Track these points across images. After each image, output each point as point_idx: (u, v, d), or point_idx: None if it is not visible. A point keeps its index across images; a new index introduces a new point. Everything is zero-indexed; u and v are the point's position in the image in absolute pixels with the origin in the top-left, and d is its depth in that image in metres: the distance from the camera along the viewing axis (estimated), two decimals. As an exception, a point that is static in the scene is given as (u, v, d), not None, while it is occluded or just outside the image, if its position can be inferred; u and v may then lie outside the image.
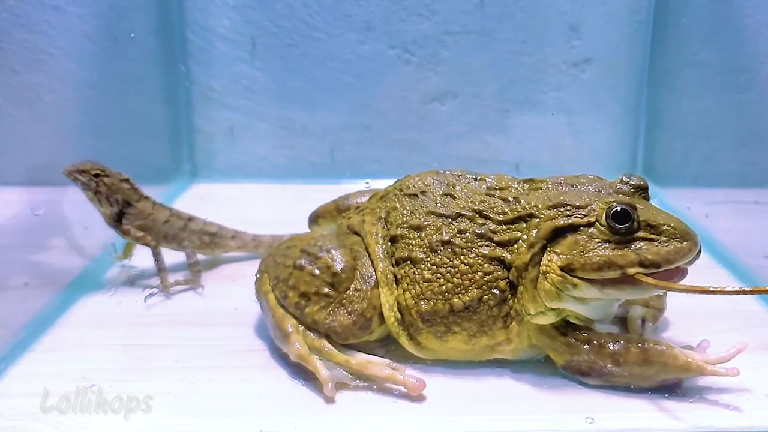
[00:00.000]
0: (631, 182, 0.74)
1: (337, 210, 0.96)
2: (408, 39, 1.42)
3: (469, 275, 0.72)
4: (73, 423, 0.66)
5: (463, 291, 0.72)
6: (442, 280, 0.73)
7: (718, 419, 0.67)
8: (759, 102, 1.14)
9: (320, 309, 0.75)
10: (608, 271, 0.67)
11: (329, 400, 0.70)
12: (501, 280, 0.72)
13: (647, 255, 0.67)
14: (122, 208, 0.94)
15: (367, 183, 1.45)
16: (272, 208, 1.34)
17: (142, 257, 0.99)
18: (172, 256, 0.98)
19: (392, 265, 0.76)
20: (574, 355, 0.71)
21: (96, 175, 0.91)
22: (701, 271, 0.80)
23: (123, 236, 0.96)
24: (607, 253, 0.68)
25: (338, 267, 0.76)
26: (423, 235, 0.75)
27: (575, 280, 0.68)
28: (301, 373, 0.75)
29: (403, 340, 0.75)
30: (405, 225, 0.77)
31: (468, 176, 0.81)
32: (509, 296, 0.72)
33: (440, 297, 0.72)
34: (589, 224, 0.69)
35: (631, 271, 0.67)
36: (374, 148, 1.49)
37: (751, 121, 1.16)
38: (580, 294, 0.69)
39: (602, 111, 1.48)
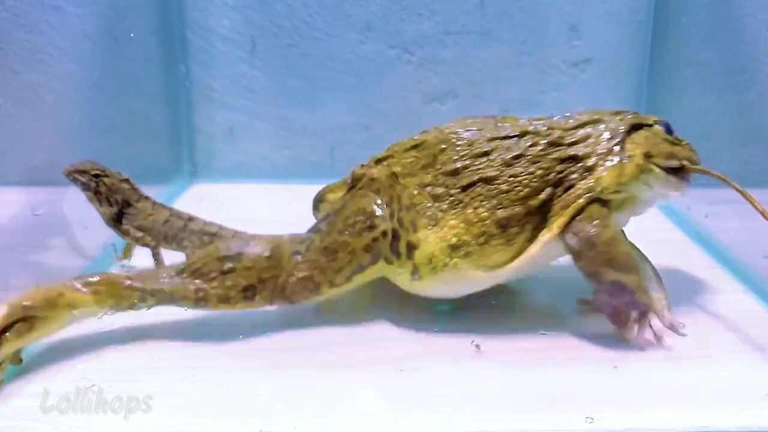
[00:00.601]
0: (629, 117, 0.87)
1: (345, 185, 0.97)
2: (408, 39, 1.42)
3: (545, 178, 0.80)
4: (73, 423, 0.66)
5: (540, 192, 0.80)
6: (520, 187, 0.80)
7: (718, 419, 0.67)
8: (759, 102, 1.14)
9: (268, 294, 0.81)
10: (672, 161, 0.82)
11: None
12: (572, 174, 0.80)
13: (690, 154, 0.85)
14: (122, 208, 0.94)
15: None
16: (272, 208, 1.34)
17: (142, 258, 0.99)
18: (172, 257, 0.98)
19: (454, 195, 0.81)
20: (585, 225, 0.77)
21: (96, 176, 0.92)
22: (701, 271, 0.80)
23: (122, 236, 0.96)
24: (670, 147, 0.83)
25: (265, 253, 0.82)
26: (492, 157, 0.82)
27: (652, 166, 0.81)
28: (302, 373, 0.75)
29: (458, 264, 0.80)
30: (466, 156, 0.83)
31: (498, 116, 0.89)
32: (578, 182, 0.80)
33: (517, 203, 0.79)
34: (652, 125, 0.85)
35: (684, 162, 0.83)
36: (374, 148, 1.47)
37: (751, 121, 1.16)
38: (653, 180, 0.81)
39: (602, 111, 1.48)
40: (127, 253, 1.00)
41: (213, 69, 1.44)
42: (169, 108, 1.44)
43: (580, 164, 0.81)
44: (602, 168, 0.80)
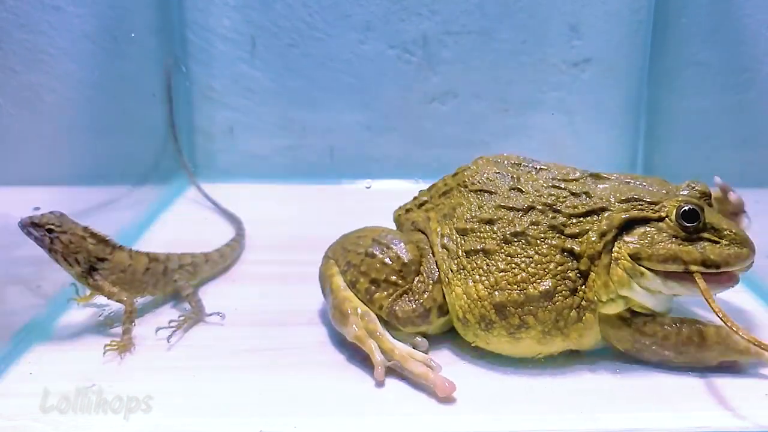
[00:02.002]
0: (696, 188, 0.78)
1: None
2: (408, 39, 1.42)
3: (543, 265, 0.74)
4: (73, 423, 0.66)
5: (538, 280, 0.74)
6: (517, 269, 0.75)
7: (718, 419, 0.67)
8: (759, 102, 1.14)
9: (387, 295, 0.79)
10: (672, 264, 0.72)
11: (379, 384, 0.72)
12: (571, 270, 0.74)
13: (710, 255, 0.71)
14: (92, 265, 0.82)
15: (367, 184, 1.45)
16: (272, 208, 1.34)
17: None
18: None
19: (460, 257, 0.78)
20: (637, 343, 0.74)
21: (49, 231, 0.79)
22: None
23: (94, 292, 0.85)
24: (673, 248, 0.72)
25: (407, 258, 0.80)
26: (495, 228, 0.78)
27: (642, 269, 0.72)
28: (301, 373, 0.75)
29: (470, 337, 0.77)
30: (475, 219, 0.80)
31: (527, 165, 0.85)
32: (579, 286, 0.74)
33: (515, 287, 0.74)
34: (660, 219, 0.74)
35: (693, 267, 0.71)
36: (374, 148, 1.49)
37: (751, 121, 1.16)
38: (646, 284, 0.73)
39: (602, 111, 1.48)
40: (92, 294, 0.88)
41: (213, 69, 1.44)
42: (169, 108, 1.43)
43: (576, 263, 0.74)
44: (593, 275, 0.74)
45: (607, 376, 0.74)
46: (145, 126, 1.38)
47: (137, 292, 0.86)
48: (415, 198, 0.94)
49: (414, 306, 0.78)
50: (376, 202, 1.31)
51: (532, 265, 0.74)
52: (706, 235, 0.72)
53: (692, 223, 0.72)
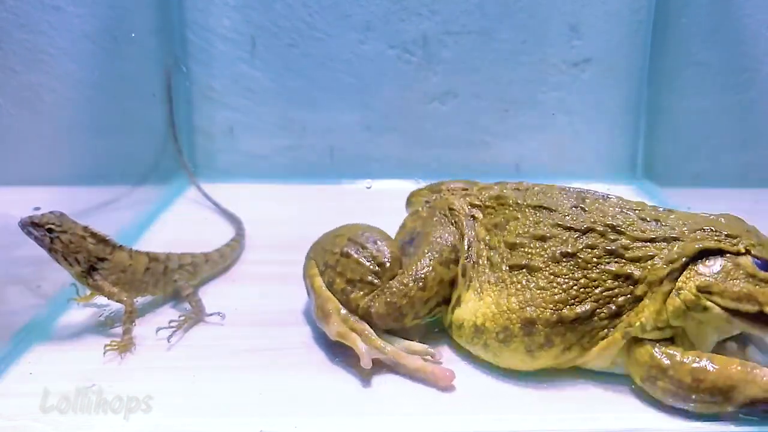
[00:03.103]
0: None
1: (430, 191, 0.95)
2: (408, 39, 1.42)
3: (588, 290, 0.71)
4: (73, 423, 0.66)
5: (577, 303, 0.71)
6: (558, 290, 0.72)
7: (719, 419, 0.66)
8: (759, 102, 1.14)
9: (363, 295, 0.77)
10: (746, 304, 0.67)
11: (366, 377, 0.72)
12: (621, 296, 0.71)
13: None
14: (92, 264, 0.82)
15: (367, 184, 1.45)
16: (272, 208, 1.34)
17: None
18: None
19: (503, 271, 0.76)
20: (653, 370, 0.68)
21: (49, 230, 0.78)
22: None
23: (93, 292, 0.85)
24: (749, 286, 0.67)
25: (384, 258, 0.79)
26: (546, 245, 0.75)
27: (708, 304, 0.68)
28: (301, 373, 0.75)
29: (477, 348, 0.75)
30: (527, 234, 0.77)
31: (593, 193, 0.80)
32: (627, 311, 0.70)
33: (550, 306, 0.71)
34: (738, 253, 0.70)
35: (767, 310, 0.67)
36: (374, 148, 1.49)
37: (751, 121, 1.16)
38: (705, 318, 0.69)
39: (602, 111, 1.48)
40: (92, 294, 0.88)
41: (213, 69, 1.44)
42: (169, 108, 1.43)
43: (631, 288, 0.71)
44: (647, 302, 0.70)
45: (607, 376, 0.74)
46: (145, 126, 1.38)
47: (137, 292, 0.86)
48: (440, 183, 0.92)
49: (389, 310, 0.76)
50: (376, 202, 1.32)
51: (575, 288, 0.72)
52: None
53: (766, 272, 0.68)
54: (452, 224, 0.83)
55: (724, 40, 1.24)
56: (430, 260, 0.78)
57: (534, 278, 0.74)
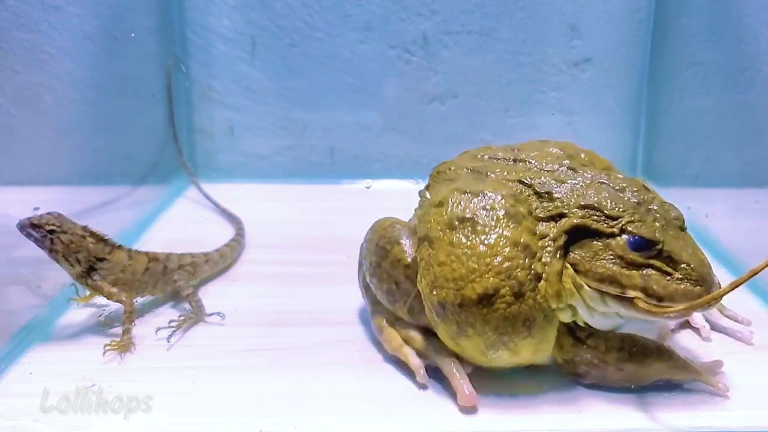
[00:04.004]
0: (670, 212, 0.70)
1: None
2: (408, 39, 1.42)
3: (487, 259, 0.65)
4: (73, 423, 0.66)
5: (478, 279, 0.65)
6: (456, 263, 0.66)
7: (718, 419, 0.67)
8: (759, 102, 1.14)
9: (402, 305, 0.74)
10: (608, 286, 0.65)
11: (422, 386, 0.71)
12: (521, 269, 0.65)
13: (653, 285, 0.64)
14: (92, 265, 0.82)
15: (367, 184, 1.45)
16: (272, 208, 1.34)
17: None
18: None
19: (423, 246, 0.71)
20: (577, 355, 0.69)
21: (51, 231, 0.79)
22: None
23: (93, 292, 0.85)
24: (613, 268, 0.65)
25: (409, 259, 0.73)
26: (442, 210, 0.69)
27: (581, 282, 0.66)
28: (301, 373, 0.75)
29: (442, 334, 0.70)
30: (428, 204, 0.73)
31: (507, 156, 0.77)
32: (528, 292, 0.65)
33: (452, 285, 0.66)
34: (612, 235, 0.66)
35: (631, 293, 0.65)
36: (374, 148, 1.49)
37: (751, 121, 1.16)
38: (586, 298, 0.67)
39: (602, 111, 1.48)
40: (92, 294, 0.87)
41: (213, 69, 1.44)
42: (169, 108, 1.43)
43: (530, 262, 0.66)
44: (544, 282, 0.66)
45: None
46: (145, 126, 1.38)
47: (137, 292, 0.86)
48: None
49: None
50: (376, 202, 1.32)
51: (473, 258, 0.65)
52: (657, 263, 0.65)
53: (641, 252, 0.65)
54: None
55: (724, 40, 1.24)
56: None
57: (434, 251, 0.68)
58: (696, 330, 0.82)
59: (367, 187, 1.45)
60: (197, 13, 1.40)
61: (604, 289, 0.66)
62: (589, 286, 0.66)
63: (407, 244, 0.74)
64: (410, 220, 0.87)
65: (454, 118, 1.47)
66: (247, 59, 1.43)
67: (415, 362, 0.72)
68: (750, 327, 0.83)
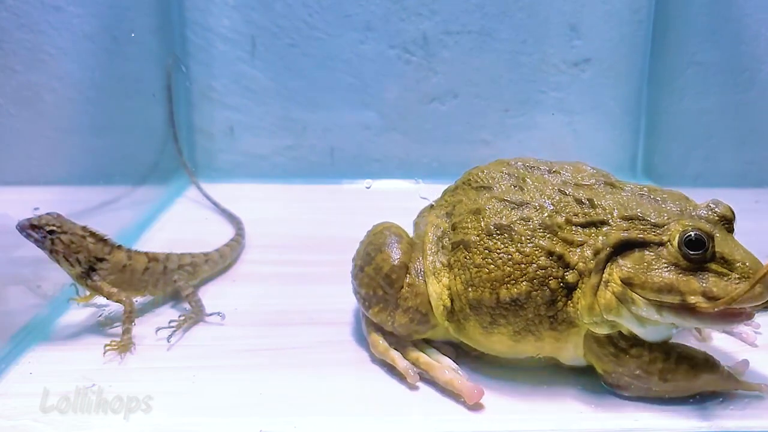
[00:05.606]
0: (716, 210, 0.68)
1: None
2: (408, 39, 1.42)
3: (522, 266, 0.68)
4: (73, 423, 0.66)
5: (512, 282, 0.68)
6: (493, 266, 0.69)
7: (718, 419, 0.67)
8: (759, 102, 1.14)
9: (380, 310, 0.76)
10: (667, 295, 0.64)
11: (413, 387, 0.72)
12: (553, 278, 0.67)
13: (712, 288, 0.63)
14: (92, 265, 0.82)
15: (367, 184, 1.45)
16: (272, 208, 1.34)
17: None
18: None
19: (447, 251, 0.74)
20: (619, 366, 0.68)
21: (51, 232, 0.79)
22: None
23: (93, 292, 0.85)
24: (670, 276, 0.64)
25: (388, 268, 0.75)
26: (480, 218, 0.72)
27: (634, 296, 0.65)
28: (301, 373, 0.75)
29: (452, 331, 0.74)
30: (465, 211, 0.75)
31: (542, 167, 0.78)
32: (560, 297, 0.67)
33: (487, 285, 0.69)
34: (661, 243, 0.65)
35: (692, 299, 0.63)
36: (374, 148, 1.49)
37: (751, 121, 1.16)
38: (637, 311, 0.65)
39: (602, 111, 1.48)
40: (92, 294, 0.87)
41: (213, 69, 1.44)
42: (169, 108, 1.43)
43: (562, 272, 0.67)
44: (579, 293, 0.67)
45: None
46: (145, 126, 1.38)
47: (137, 292, 0.86)
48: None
49: (410, 315, 0.74)
50: (376, 202, 1.32)
51: (509, 264, 0.68)
52: (713, 266, 0.64)
53: (696, 252, 0.63)
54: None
55: (724, 40, 1.24)
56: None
57: (471, 254, 0.71)
58: (735, 335, 0.81)
59: (367, 187, 1.45)
60: (197, 13, 1.40)
61: (663, 299, 0.64)
62: (646, 298, 0.64)
63: (394, 253, 0.76)
64: (414, 223, 0.88)
65: (454, 118, 1.47)
66: (247, 59, 1.43)
67: (402, 364, 0.73)
68: (758, 329, 0.82)
